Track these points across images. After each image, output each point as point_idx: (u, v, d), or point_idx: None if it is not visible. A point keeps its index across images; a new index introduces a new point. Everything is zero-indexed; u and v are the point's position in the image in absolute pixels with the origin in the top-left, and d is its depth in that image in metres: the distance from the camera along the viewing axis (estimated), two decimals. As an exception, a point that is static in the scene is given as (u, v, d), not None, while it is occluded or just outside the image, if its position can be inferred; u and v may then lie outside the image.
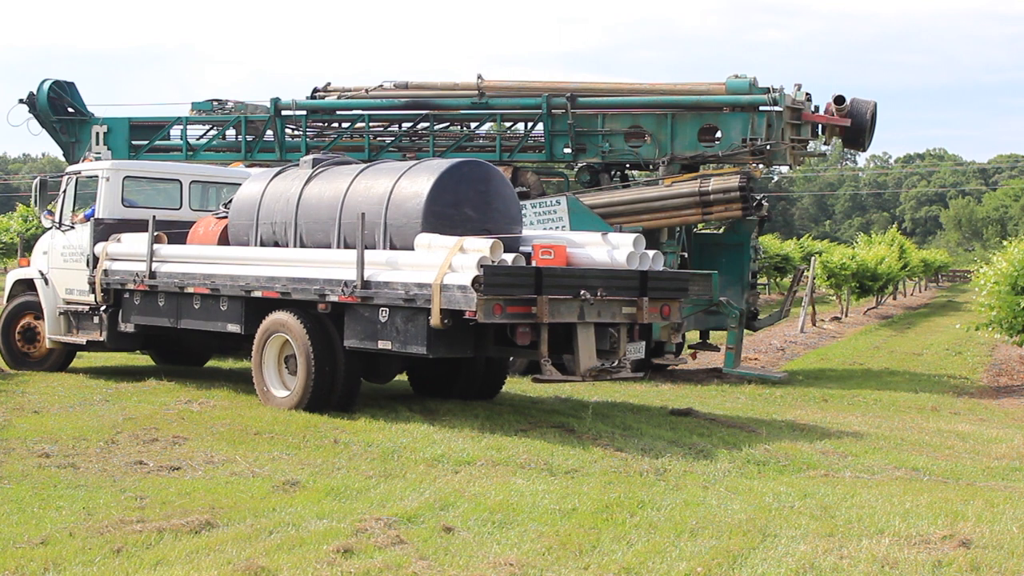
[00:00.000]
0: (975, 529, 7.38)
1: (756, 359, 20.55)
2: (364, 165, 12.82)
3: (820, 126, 17.40)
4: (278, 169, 13.58)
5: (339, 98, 19.31)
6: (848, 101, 17.07)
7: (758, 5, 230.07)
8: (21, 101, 19.57)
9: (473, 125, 18.93)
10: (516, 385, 15.24)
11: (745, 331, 18.02)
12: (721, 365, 17.40)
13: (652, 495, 8.29)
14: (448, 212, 11.42)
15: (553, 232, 14.41)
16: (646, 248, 16.90)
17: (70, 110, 19.82)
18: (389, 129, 19.18)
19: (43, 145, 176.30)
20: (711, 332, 18.55)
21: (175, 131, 19.71)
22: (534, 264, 11.07)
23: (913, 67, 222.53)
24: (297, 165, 13.44)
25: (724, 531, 7.26)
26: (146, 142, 19.75)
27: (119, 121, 19.84)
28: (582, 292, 10.88)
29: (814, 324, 29.04)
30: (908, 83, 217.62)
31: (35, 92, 19.53)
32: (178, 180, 15.27)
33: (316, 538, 6.86)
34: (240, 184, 14.50)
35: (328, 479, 8.58)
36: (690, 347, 18.49)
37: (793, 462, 9.90)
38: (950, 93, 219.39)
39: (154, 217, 13.74)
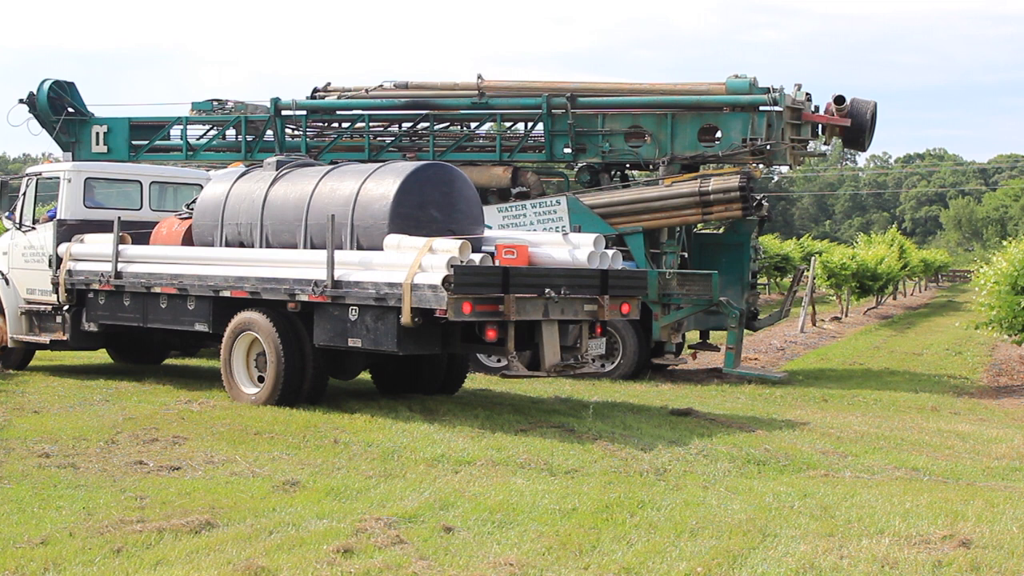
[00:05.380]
0: (975, 529, 7.38)
1: (756, 359, 20.54)
2: (328, 167, 13.13)
3: (820, 126, 17.40)
4: (242, 170, 13.72)
5: (339, 98, 19.31)
6: (848, 101, 17.06)
7: (756, 5, 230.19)
8: (21, 101, 19.57)
9: (473, 125, 18.93)
10: (516, 385, 15.26)
11: (745, 331, 18.01)
12: (721, 365, 17.39)
13: (652, 495, 8.29)
14: (414, 213, 11.76)
15: (514, 232, 14.58)
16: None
17: (70, 110, 19.82)
18: (389, 129, 19.18)
19: (43, 145, 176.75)
20: (711, 332, 18.56)
21: (175, 131, 19.72)
22: (497, 264, 11.37)
23: (911, 67, 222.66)
24: (261, 166, 13.58)
25: (724, 531, 7.27)
26: (146, 142, 19.76)
27: (119, 121, 19.86)
28: (546, 290, 11.25)
29: (814, 324, 29.03)
30: (906, 83, 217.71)
31: (35, 92, 19.53)
32: (138, 181, 15.44)
33: (316, 538, 6.87)
34: (200, 185, 14.74)
35: (328, 479, 8.58)
36: (690, 347, 18.49)
37: (793, 462, 9.90)
38: (949, 93, 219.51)
39: (119, 218, 13.87)
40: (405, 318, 10.81)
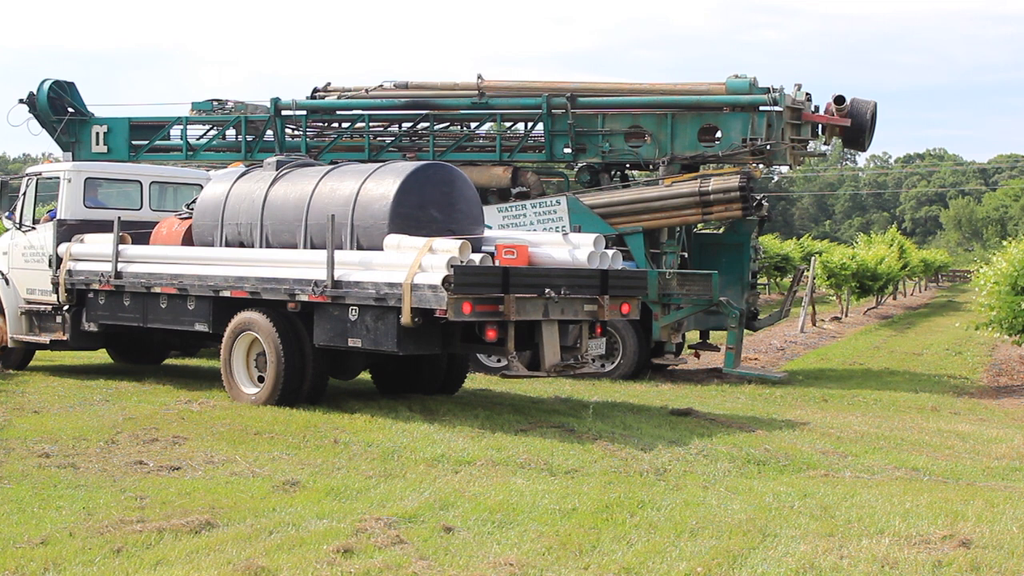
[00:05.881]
0: (975, 529, 7.38)
1: (756, 359, 20.54)
2: (328, 167, 13.12)
3: (820, 126, 17.40)
4: (242, 170, 13.72)
5: (339, 98, 19.31)
6: (848, 101, 17.06)
7: (756, 5, 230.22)
8: (21, 101, 19.57)
9: (473, 125, 18.92)
10: (516, 385, 15.26)
11: (745, 331, 18.01)
12: (721, 365, 17.40)
13: (652, 495, 8.29)
14: (414, 213, 11.75)
15: (514, 232, 14.58)
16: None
17: (70, 110, 19.82)
18: (389, 129, 19.18)
19: (43, 145, 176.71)
20: (711, 332, 18.56)
21: (175, 131, 19.73)
22: (497, 264, 11.36)
23: (910, 67, 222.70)
24: (261, 166, 13.59)
25: (724, 531, 7.27)
26: (146, 142, 19.77)
27: (119, 121, 19.86)
28: (546, 290, 11.24)
29: (814, 324, 29.03)
30: (906, 83, 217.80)
31: (35, 92, 19.53)
32: (138, 181, 15.43)
33: (316, 538, 6.86)
34: (200, 185, 14.73)
35: (328, 479, 8.58)
36: (690, 347, 18.49)
37: (793, 462, 9.90)
38: (949, 93, 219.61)
39: (119, 218, 13.87)
40: (405, 318, 10.81)
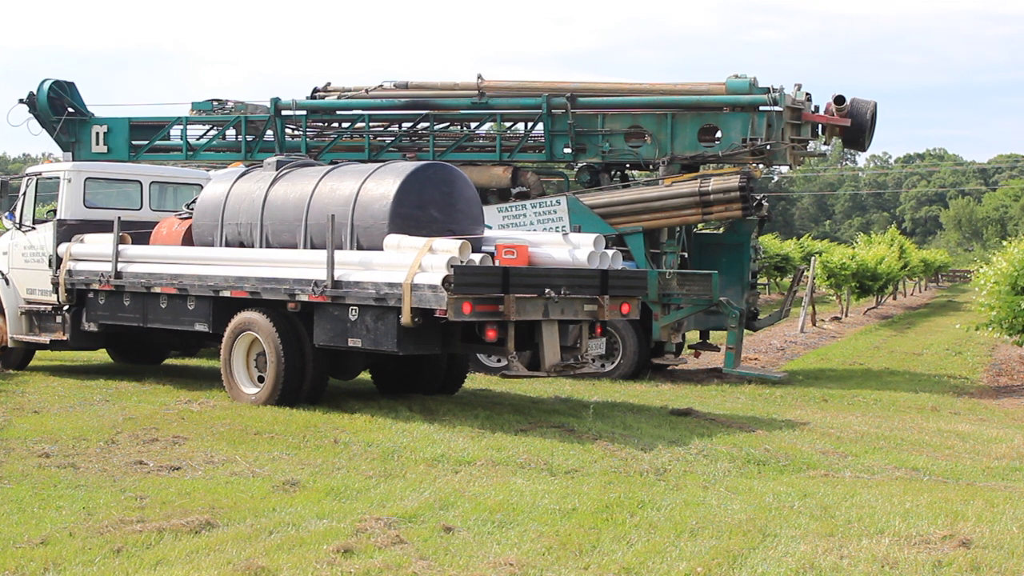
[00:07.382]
0: (975, 529, 7.38)
1: (756, 359, 20.54)
2: (328, 167, 13.12)
3: (820, 126, 17.40)
4: (242, 170, 13.73)
5: (339, 98, 19.31)
6: (848, 101, 17.07)
7: (756, 5, 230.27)
8: (21, 101, 19.57)
9: (473, 125, 18.93)
10: (516, 385, 15.26)
11: (745, 331, 18.01)
12: (721, 365, 17.40)
13: (652, 495, 8.29)
14: (414, 213, 11.76)
15: (514, 232, 14.57)
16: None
17: (70, 110, 19.82)
18: (389, 129, 19.19)
19: (43, 145, 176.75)
20: (711, 332, 18.56)
21: (175, 131, 19.73)
22: (497, 264, 11.36)
23: (910, 67, 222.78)
24: (261, 166, 13.59)
25: (724, 531, 7.27)
26: (146, 142, 19.77)
27: (119, 121, 19.86)
28: (546, 290, 11.24)
29: (814, 324, 29.03)
30: (906, 83, 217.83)
31: (35, 92, 19.53)
32: (138, 181, 15.43)
33: (316, 538, 6.87)
34: (200, 185, 14.73)
35: (328, 479, 8.58)
36: (690, 347, 18.49)
37: (793, 462, 9.90)
38: (949, 93, 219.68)
39: (119, 218, 13.87)
40: (405, 318, 10.82)
